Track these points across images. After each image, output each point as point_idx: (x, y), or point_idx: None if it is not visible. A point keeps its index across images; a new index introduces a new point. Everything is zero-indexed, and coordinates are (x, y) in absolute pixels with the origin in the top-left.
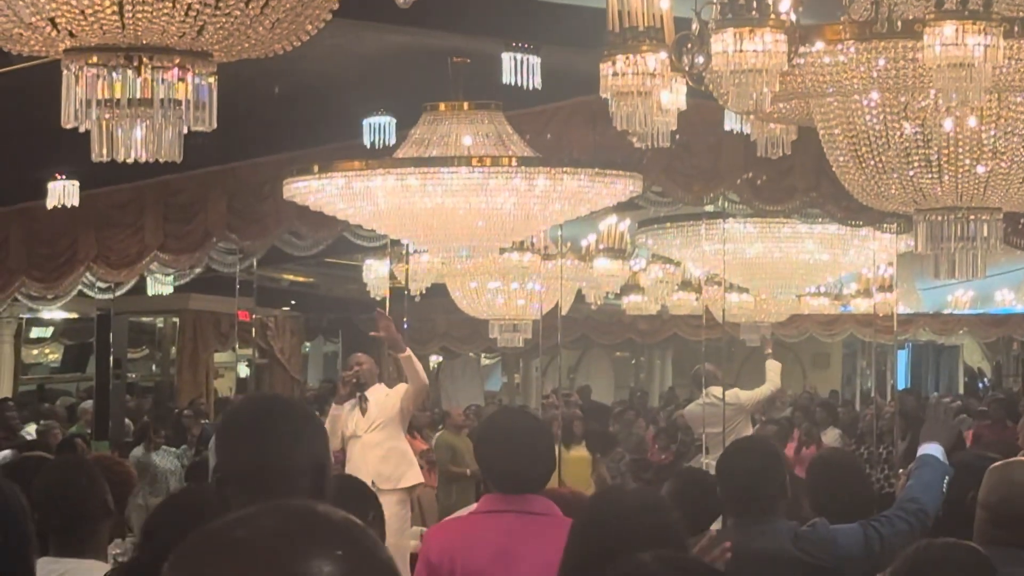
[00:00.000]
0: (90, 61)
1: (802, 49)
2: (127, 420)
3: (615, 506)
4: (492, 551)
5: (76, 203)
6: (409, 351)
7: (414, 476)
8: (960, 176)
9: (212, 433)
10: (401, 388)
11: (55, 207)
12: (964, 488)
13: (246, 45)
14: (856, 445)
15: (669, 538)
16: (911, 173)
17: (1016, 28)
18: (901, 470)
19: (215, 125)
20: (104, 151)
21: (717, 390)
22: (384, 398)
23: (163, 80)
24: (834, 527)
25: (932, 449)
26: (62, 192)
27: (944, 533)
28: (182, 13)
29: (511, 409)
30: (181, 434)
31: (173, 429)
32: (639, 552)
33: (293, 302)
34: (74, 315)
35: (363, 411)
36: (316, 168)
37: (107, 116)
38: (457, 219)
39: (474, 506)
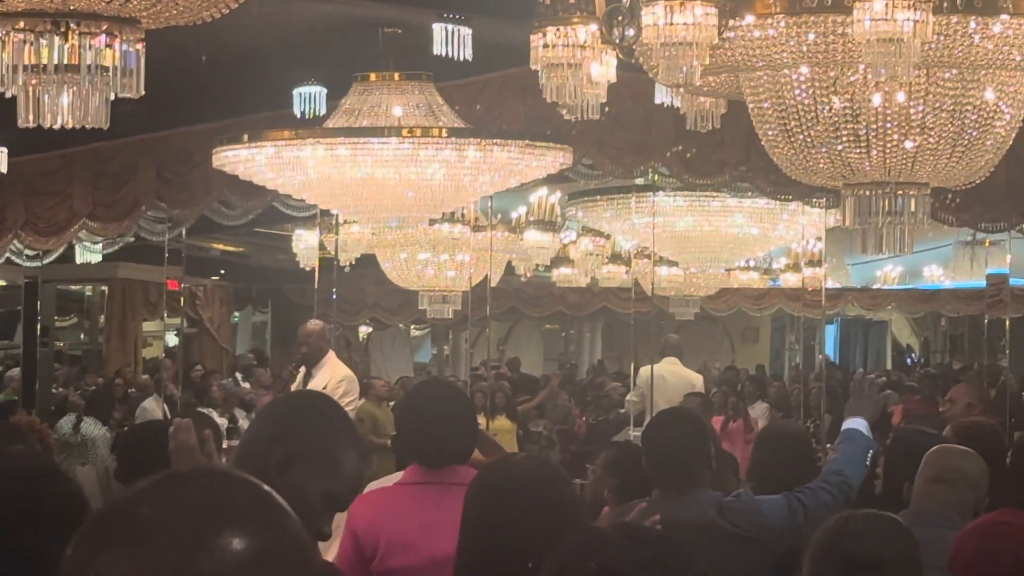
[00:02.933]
0: (17, 26)
1: (732, 22)
2: (55, 388)
3: (504, 476)
4: (419, 523)
5: (3, 170)
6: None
7: None
8: (888, 151)
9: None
10: (337, 387)
11: None
12: (903, 462)
13: (174, 12)
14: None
15: (563, 507)
16: (840, 148)
17: (945, 4)
18: (829, 444)
19: (143, 92)
20: (31, 117)
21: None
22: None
23: (90, 46)
24: (758, 497)
25: (856, 423)
26: None
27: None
28: None
29: (430, 382)
30: (108, 402)
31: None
32: (534, 524)
33: (222, 271)
34: (2, 283)
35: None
36: (246, 137)
37: (34, 82)
38: (387, 190)
39: (399, 475)
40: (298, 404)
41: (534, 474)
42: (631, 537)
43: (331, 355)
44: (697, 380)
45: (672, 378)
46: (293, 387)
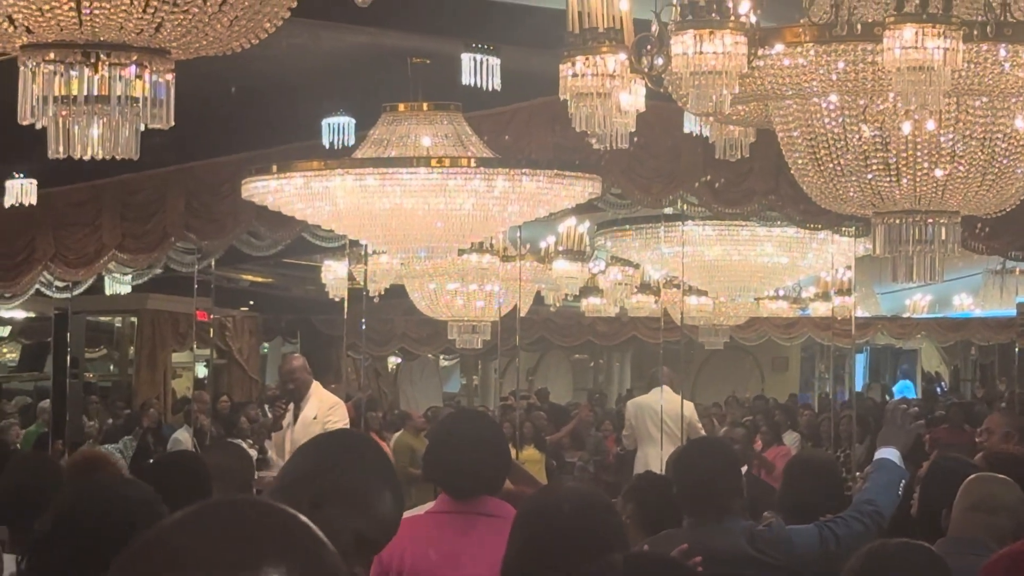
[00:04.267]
0: (47, 58)
1: (762, 51)
2: (85, 419)
3: (553, 503)
4: (443, 552)
5: (34, 202)
6: None
7: None
8: (918, 179)
9: (170, 434)
10: (329, 414)
11: (12, 206)
12: (940, 490)
13: (204, 43)
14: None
15: (609, 536)
16: (869, 176)
17: (975, 32)
18: (858, 473)
19: (172, 123)
20: (61, 148)
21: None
22: (313, 421)
23: (120, 77)
24: (790, 527)
25: (889, 453)
26: (20, 191)
27: (917, 532)
28: (140, 9)
29: (461, 412)
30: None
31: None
32: (581, 550)
33: (251, 302)
34: (32, 314)
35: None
36: (275, 168)
37: (64, 113)
38: (416, 220)
39: (430, 505)
40: (334, 442)
41: (583, 501)
42: (651, 566)
43: (316, 385)
44: (688, 409)
45: (663, 409)
46: (284, 423)
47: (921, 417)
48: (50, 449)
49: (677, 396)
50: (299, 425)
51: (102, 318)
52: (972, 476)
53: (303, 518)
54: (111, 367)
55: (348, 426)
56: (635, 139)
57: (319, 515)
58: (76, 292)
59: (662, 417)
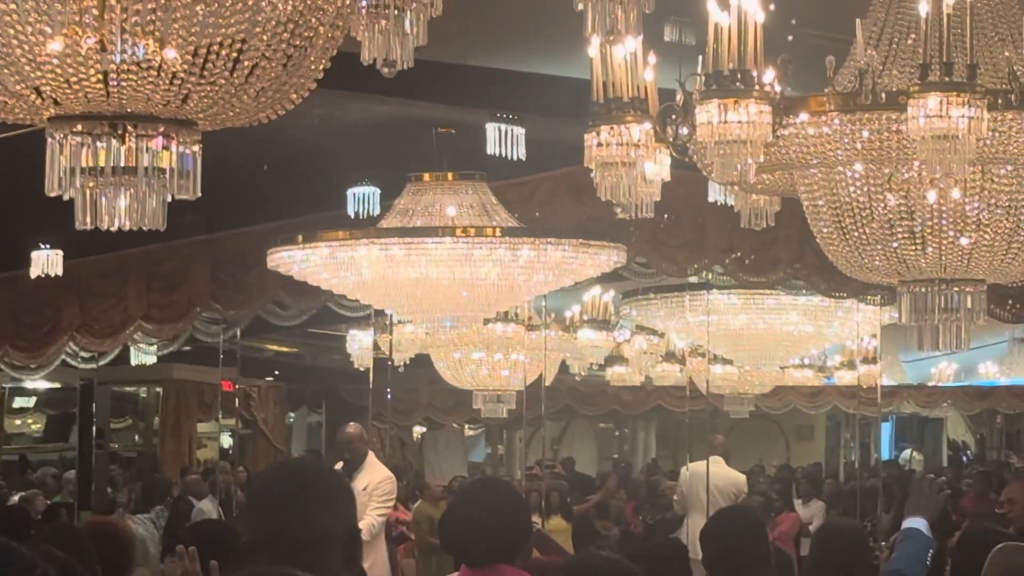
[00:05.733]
0: (74, 129)
1: (786, 120)
2: (110, 490)
3: (587, 567)
4: None
5: (60, 272)
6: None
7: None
8: (944, 248)
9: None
10: (379, 486)
11: (39, 276)
12: (972, 561)
13: (231, 114)
14: None
15: None
16: (895, 245)
17: (999, 100)
18: (884, 543)
19: (199, 194)
20: (88, 219)
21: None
22: (362, 492)
23: (147, 148)
24: None
25: (916, 523)
26: (46, 261)
27: None
28: (167, 81)
29: (477, 481)
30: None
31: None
32: None
33: (277, 372)
34: (57, 385)
35: None
36: (300, 238)
37: (91, 184)
38: (441, 289)
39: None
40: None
41: (613, 568)
42: None
43: (371, 455)
44: (740, 480)
45: (715, 478)
46: None
47: (948, 486)
48: (74, 520)
49: (728, 468)
50: None
51: (127, 388)
52: (999, 546)
53: None
54: (136, 437)
55: (393, 500)
56: (660, 208)
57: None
58: (102, 362)
59: (708, 486)
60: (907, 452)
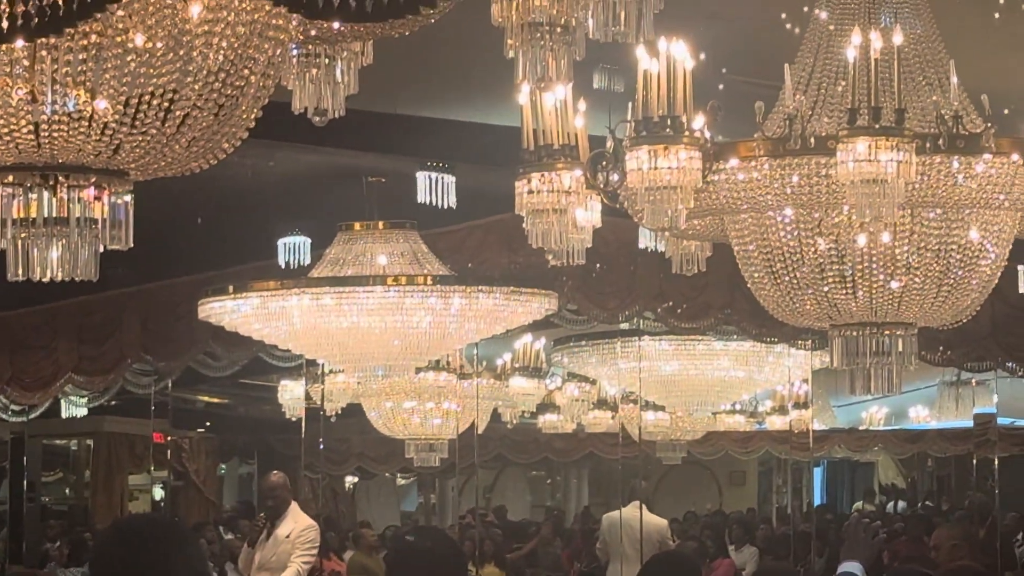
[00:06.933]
0: (5, 181)
1: (716, 166)
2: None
3: None
4: None
5: None
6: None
7: None
8: (874, 292)
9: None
10: (302, 534)
11: None
12: None
13: (163, 164)
14: None
15: None
16: (826, 289)
17: (928, 144)
18: None
19: (131, 244)
20: (20, 271)
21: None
22: (285, 540)
23: (79, 199)
24: None
25: (852, 567)
26: None
27: None
28: (98, 132)
29: (416, 530)
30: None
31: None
32: None
33: (208, 423)
34: None
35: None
36: (231, 288)
37: (23, 235)
38: (373, 338)
39: None
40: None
41: None
42: None
43: (294, 505)
44: (662, 525)
45: (637, 524)
46: (259, 540)
47: (881, 530)
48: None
49: (649, 514)
50: (271, 542)
51: (58, 441)
52: None
53: None
54: (67, 490)
55: (317, 549)
56: (591, 255)
57: None
58: (32, 415)
59: (623, 534)
60: (859, 503)
